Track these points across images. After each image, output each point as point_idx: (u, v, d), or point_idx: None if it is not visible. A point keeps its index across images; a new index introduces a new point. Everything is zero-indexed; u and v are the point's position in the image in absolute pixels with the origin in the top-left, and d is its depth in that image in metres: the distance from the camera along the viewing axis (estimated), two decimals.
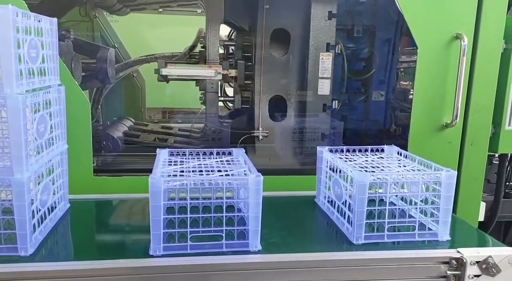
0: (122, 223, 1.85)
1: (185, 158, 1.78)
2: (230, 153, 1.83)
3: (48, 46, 1.64)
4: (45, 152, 1.56)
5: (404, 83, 3.23)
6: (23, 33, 1.39)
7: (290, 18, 2.58)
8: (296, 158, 2.72)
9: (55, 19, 1.69)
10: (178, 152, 1.83)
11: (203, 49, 2.96)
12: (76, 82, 2.18)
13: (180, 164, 1.67)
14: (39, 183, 1.52)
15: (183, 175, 1.52)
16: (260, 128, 2.68)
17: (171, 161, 1.72)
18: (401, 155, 1.87)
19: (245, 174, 1.52)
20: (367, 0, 2.83)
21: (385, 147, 1.95)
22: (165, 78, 2.85)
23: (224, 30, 3.11)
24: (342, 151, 1.90)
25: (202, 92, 2.92)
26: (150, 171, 1.48)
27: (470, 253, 1.46)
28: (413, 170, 1.68)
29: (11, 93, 1.32)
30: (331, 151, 1.85)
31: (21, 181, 1.34)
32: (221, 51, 2.97)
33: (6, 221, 1.39)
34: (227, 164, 1.71)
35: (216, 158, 1.79)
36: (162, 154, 1.78)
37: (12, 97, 1.31)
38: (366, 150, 1.92)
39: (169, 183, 1.40)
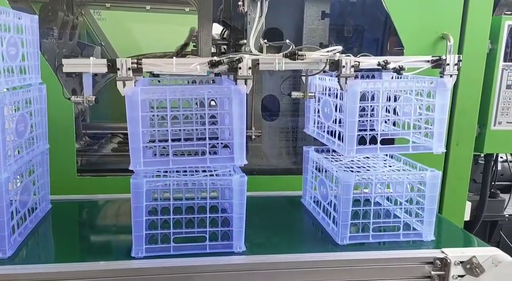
0: (104, 224, 1.82)
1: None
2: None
3: (29, 44, 1.60)
4: (25, 152, 1.53)
5: None
6: (1, 31, 1.36)
7: (284, 18, 2.56)
8: (289, 157, 2.70)
9: (36, 16, 1.66)
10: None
11: (195, 48, 2.93)
12: (60, 81, 2.14)
13: None
14: (19, 184, 1.49)
15: (166, 175, 1.50)
16: (253, 128, 2.66)
17: None
18: (387, 155, 1.87)
19: (230, 175, 1.50)
20: (356, 0, 2.82)
21: None
22: (157, 77, 2.81)
23: (217, 29, 3.09)
24: (328, 151, 1.89)
25: None
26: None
27: (454, 253, 1.46)
28: (398, 170, 1.67)
29: None
30: (317, 151, 1.84)
31: None
32: (213, 50, 2.94)
33: None
34: None
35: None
36: None
37: None
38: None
39: (151, 183, 1.38)
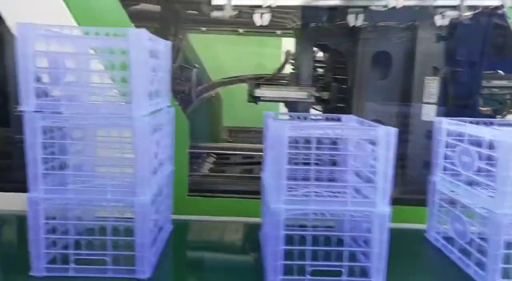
0: (229, 246, 1.79)
1: None
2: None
3: (162, 69, 1.65)
4: (159, 172, 1.56)
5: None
6: (153, 57, 1.41)
7: (394, 41, 2.49)
8: (397, 186, 2.58)
9: (169, 42, 1.71)
10: None
11: (294, 71, 2.93)
12: (177, 103, 2.21)
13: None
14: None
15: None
16: None
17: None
18: None
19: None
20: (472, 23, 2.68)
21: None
22: (255, 99, 2.85)
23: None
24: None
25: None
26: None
27: None
28: None
29: (139, 115, 1.32)
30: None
31: (145, 202, 1.33)
32: None
33: (125, 242, 1.39)
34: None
35: None
36: None
37: (140, 119, 1.32)
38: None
39: (289, 212, 1.34)
